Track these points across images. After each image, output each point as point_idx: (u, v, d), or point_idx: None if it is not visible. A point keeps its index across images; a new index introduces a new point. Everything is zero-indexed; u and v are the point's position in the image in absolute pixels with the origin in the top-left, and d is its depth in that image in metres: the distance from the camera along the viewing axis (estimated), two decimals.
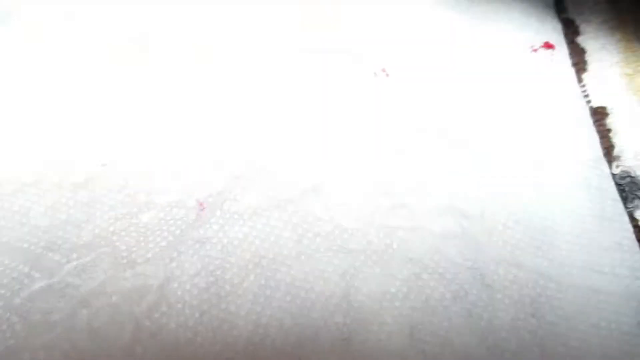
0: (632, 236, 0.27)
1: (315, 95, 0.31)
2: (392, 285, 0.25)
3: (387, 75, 0.32)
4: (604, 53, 0.32)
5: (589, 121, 0.31)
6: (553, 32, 0.34)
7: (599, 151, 0.30)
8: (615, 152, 0.29)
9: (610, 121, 0.30)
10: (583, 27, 0.34)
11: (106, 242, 0.26)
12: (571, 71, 0.33)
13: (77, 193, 0.28)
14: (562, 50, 0.33)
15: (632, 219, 0.28)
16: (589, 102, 0.31)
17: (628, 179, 0.29)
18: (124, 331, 0.23)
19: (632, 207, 0.28)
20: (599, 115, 0.31)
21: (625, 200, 0.28)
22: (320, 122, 0.31)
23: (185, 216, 0.28)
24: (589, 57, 0.33)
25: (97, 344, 0.23)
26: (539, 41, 0.34)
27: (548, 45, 0.33)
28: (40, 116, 0.31)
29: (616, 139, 0.30)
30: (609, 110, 0.31)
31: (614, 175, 0.29)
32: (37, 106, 0.31)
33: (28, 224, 0.27)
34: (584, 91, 0.32)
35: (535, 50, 0.33)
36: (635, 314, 0.25)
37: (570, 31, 0.34)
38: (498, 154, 0.30)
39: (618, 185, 0.28)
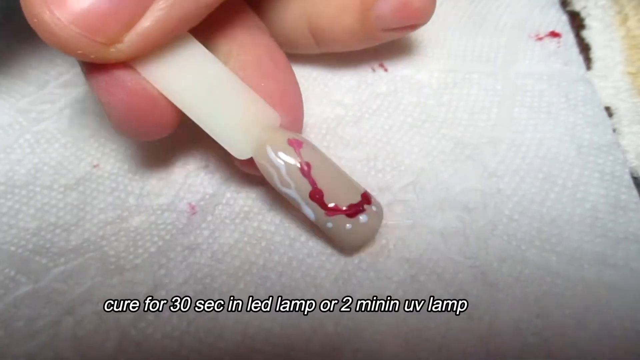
0: None
1: (308, 93, 0.30)
2: (386, 289, 0.24)
3: (386, 70, 0.31)
4: (608, 50, 0.31)
5: (600, 105, 0.29)
6: (558, 22, 0.32)
7: (612, 136, 0.28)
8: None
9: (614, 121, 0.28)
10: (588, 21, 0.32)
11: (95, 246, 0.26)
12: (579, 58, 0.31)
13: (68, 195, 0.28)
14: (569, 39, 0.31)
15: None
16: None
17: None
18: (108, 341, 0.23)
19: None
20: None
21: None
22: (314, 120, 0.29)
23: (177, 220, 0.27)
24: (594, 54, 0.31)
25: (80, 354, 0.22)
26: (544, 31, 0.32)
27: (554, 34, 0.32)
28: (32, 115, 0.30)
29: (620, 139, 0.28)
30: (613, 110, 0.29)
31: None
32: (28, 104, 0.31)
33: (16, 226, 0.27)
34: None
35: (540, 39, 0.31)
36: None
37: (575, 25, 0.32)
38: (501, 141, 0.28)
39: None
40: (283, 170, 0.22)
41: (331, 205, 0.22)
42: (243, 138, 0.22)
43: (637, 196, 0.26)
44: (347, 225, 0.22)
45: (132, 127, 0.22)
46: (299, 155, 0.22)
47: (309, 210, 0.22)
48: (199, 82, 0.21)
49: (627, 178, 0.26)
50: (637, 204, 0.26)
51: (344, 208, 0.22)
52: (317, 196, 0.22)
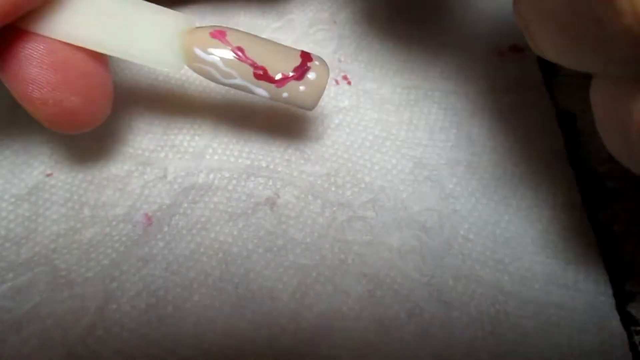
0: (597, 249, 0.26)
1: (268, 105, 0.30)
2: (344, 304, 0.24)
3: (349, 82, 0.31)
4: None
5: (556, 130, 0.29)
6: (521, 35, 0.33)
7: (565, 160, 0.29)
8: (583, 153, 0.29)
9: (579, 124, 0.29)
10: None
11: (45, 260, 0.25)
12: (539, 74, 0.31)
13: (19, 206, 0.27)
14: (530, 54, 0.32)
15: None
16: (558, 105, 0.30)
17: None
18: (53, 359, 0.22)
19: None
20: (568, 118, 0.30)
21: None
22: (277, 133, 0.29)
23: (132, 232, 0.26)
24: None
25: None
26: (506, 45, 0.32)
27: (516, 49, 0.32)
28: None
29: (584, 141, 0.29)
30: (578, 115, 0.30)
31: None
32: None
33: None
34: (555, 94, 0.31)
35: (502, 55, 0.32)
36: (597, 332, 0.24)
37: None
38: (459, 162, 0.28)
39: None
40: (220, 64, 0.21)
41: (278, 77, 0.22)
42: (168, 51, 0.21)
43: (586, 219, 0.27)
44: (300, 87, 0.22)
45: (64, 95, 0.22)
46: (228, 43, 0.21)
47: (261, 90, 0.22)
48: (99, 18, 0.20)
49: (578, 201, 0.27)
50: (586, 226, 0.27)
51: (291, 74, 0.22)
52: (262, 73, 0.22)
